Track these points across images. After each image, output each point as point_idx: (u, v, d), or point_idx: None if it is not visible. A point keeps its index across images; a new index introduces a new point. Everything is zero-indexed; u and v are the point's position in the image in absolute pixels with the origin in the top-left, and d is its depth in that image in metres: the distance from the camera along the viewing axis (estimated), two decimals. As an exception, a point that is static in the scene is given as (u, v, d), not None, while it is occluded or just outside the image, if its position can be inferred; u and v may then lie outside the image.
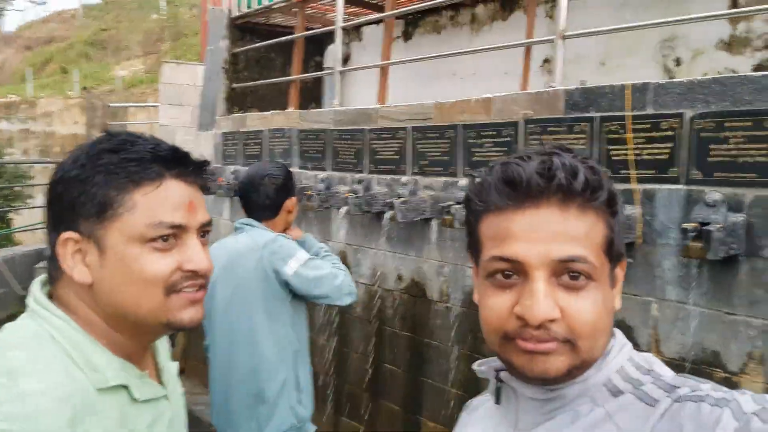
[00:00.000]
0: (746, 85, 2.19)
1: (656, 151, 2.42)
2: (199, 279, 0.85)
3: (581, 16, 3.90)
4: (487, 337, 0.72)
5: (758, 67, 3.64)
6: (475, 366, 0.81)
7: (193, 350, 5.06)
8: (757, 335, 2.17)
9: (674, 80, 2.42)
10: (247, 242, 2.27)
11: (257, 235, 2.27)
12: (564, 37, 3.03)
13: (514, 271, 0.69)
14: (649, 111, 2.44)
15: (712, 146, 2.25)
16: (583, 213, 0.68)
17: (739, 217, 2.14)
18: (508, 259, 0.68)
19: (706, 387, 0.66)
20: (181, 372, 0.97)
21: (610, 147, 2.56)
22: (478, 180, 0.73)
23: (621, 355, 0.73)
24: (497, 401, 0.78)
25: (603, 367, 0.71)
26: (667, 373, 0.72)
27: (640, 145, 2.45)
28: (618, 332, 0.76)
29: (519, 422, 0.75)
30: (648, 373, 0.72)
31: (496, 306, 0.70)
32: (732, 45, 3.80)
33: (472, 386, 3.03)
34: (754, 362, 2.18)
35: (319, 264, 2.27)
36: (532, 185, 0.67)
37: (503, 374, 0.76)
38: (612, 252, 0.70)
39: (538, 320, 0.66)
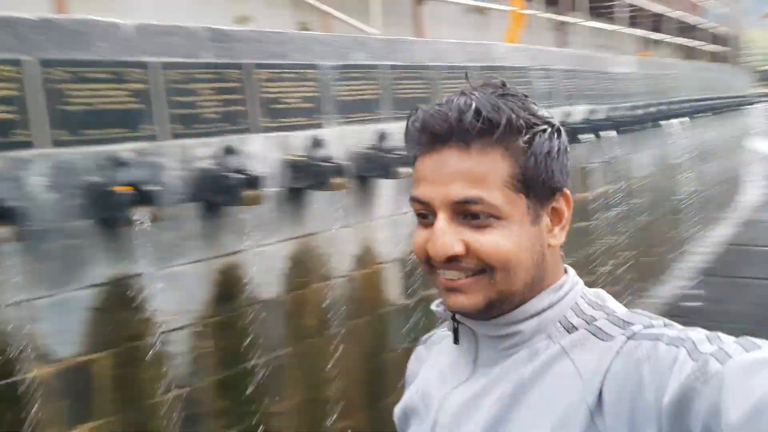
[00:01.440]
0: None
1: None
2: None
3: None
4: (422, 268, 0.76)
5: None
6: (433, 306, 0.82)
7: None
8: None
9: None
10: None
11: None
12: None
13: (427, 211, 0.72)
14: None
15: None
16: (484, 152, 0.69)
17: None
18: (418, 200, 0.72)
19: (659, 323, 0.68)
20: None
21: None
22: (406, 125, 0.75)
23: (573, 292, 0.75)
24: (456, 341, 0.80)
25: (557, 303, 0.73)
26: (620, 309, 0.74)
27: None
28: (570, 269, 0.78)
29: (478, 359, 0.77)
30: (600, 308, 0.73)
31: (417, 241, 0.73)
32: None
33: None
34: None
35: None
36: (434, 130, 0.70)
37: (458, 315, 0.77)
38: (528, 187, 0.70)
39: (438, 256, 0.69)
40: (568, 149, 0.74)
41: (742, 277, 6.25)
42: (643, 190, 5.91)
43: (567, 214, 0.75)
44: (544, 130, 0.70)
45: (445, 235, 0.69)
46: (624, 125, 5.01)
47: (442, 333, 0.89)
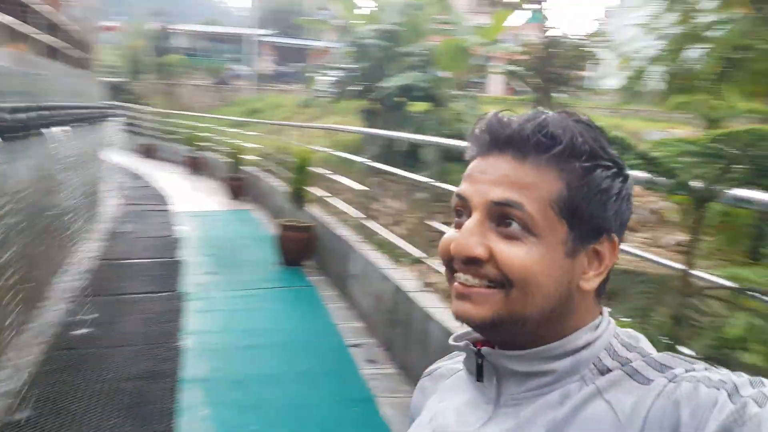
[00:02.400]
0: None
1: None
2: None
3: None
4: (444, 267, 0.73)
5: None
6: (451, 340, 0.78)
7: None
8: None
9: None
10: None
11: None
12: None
13: (463, 209, 0.71)
14: None
15: None
16: (538, 166, 0.67)
17: None
18: (458, 195, 0.71)
19: (700, 367, 0.65)
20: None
21: None
22: (471, 129, 0.74)
23: (607, 332, 0.71)
24: (479, 378, 0.74)
25: (593, 342, 0.69)
26: (655, 351, 0.70)
27: None
28: (605, 309, 0.74)
29: (501, 398, 0.72)
30: (635, 349, 0.70)
31: (444, 239, 0.71)
32: None
33: None
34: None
35: None
36: (495, 134, 0.69)
37: (485, 349, 0.72)
38: (573, 216, 0.67)
39: (458, 253, 0.67)
40: (632, 200, 0.72)
41: (125, 294, 6.26)
42: (20, 207, 5.11)
43: (608, 261, 0.71)
44: (609, 167, 0.69)
45: (472, 235, 0.67)
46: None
47: (451, 366, 0.85)
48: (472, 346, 0.74)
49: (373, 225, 6.14)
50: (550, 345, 0.68)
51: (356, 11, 12.02)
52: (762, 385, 0.59)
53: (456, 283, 0.69)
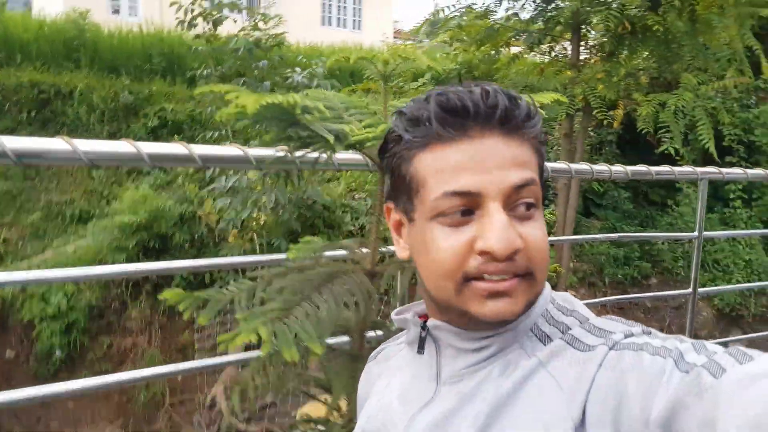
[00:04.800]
0: None
1: None
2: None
3: None
4: (438, 283, 0.66)
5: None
6: (394, 315, 0.76)
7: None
8: None
9: None
10: None
11: None
12: None
13: (469, 206, 0.64)
14: None
15: None
16: (522, 141, 0.66)
17: None
18: (462, 192, 0.63)
19: (638, 331, 0.65)
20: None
21: None
22: (408, 114, 0.67)
23: (543, 298, 0.70)
24: (420, 350, 0.73)
25: (533, 310, 0.68)
26: (591, 315, 0.70)
27: None
28: None
29: (441, 375, 0.71)
30: (571, 314, 0.70)
31: (453, 246, 0.63)
32: None
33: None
34: None
35: None
36: (479, 112, 0.64)
37: (431, 322, 0.71)
38: (543, 184, 0.68)
39: (507, 250, 0.62)
40: None
41: None
42: None
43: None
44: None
45: (509, 227, 0.62)
46: None
47: (395, 347, 0.84)
48: (418, 319, 0.73)
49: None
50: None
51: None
52: (707, 350, 0.58)
53: (486, 285, 0.63)
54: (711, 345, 0.60)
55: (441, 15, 5.74)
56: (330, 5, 18.91)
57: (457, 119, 0.64)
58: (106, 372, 5.48)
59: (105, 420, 5.59)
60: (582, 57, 5.52)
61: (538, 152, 0.67)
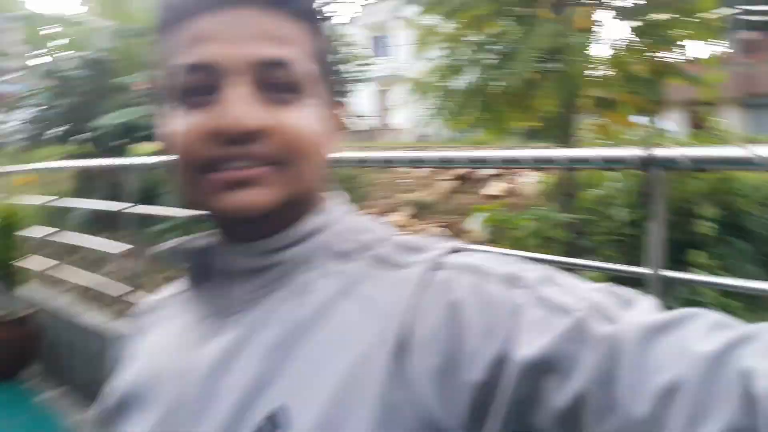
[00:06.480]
0: None
1: None
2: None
3: None
4: (182, 177, 0.56)
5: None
6: (161, 247, 0.66)
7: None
8: None
9: None
10: None
11: None
12: None
13: (210, 84, 0.54)
14: None
15: None
16: (290, 18, 0.56)
17: None
18: (199, 64, 0.54)
19: (442, 245, 0.57)
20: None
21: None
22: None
23: (342, 213, 0.63)
24: (194, 283, 0.64)
25: (327, 225, 0.60)
26: (389, 231, 0.62)
27: None
28: (338, 189, 0.67)
29: (226, 304, 0.60)
30: (372, 231, 0.62)
31: (189, 127, 0.54)
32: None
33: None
34: None
35: None
36: None
37: (195, 245, 0.63)
38: (325, 72, 0.59)
39: (239, 126, 0.52)
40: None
41: None
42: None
43: (344, 131, 0.65)
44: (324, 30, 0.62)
45: (245, 104, 0.53)
46: None
47: (168, 296, 0.73)
48: (187, 247, 0.63)
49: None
50: (279, 234, 0.58)
51: (45, 32, 9.37)
52: (567, 285, 0.50)
53: (223, 175, 0.54)
54: (565, 277, 0.52)
55: None
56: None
57: None
58: None
59: None
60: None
61: (313, 32, 0.58)
